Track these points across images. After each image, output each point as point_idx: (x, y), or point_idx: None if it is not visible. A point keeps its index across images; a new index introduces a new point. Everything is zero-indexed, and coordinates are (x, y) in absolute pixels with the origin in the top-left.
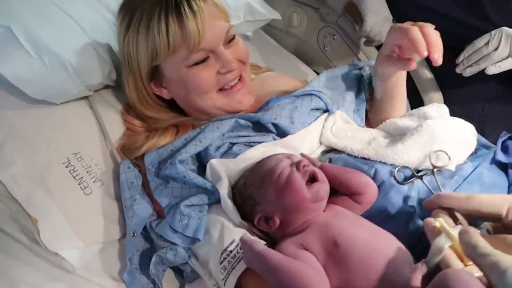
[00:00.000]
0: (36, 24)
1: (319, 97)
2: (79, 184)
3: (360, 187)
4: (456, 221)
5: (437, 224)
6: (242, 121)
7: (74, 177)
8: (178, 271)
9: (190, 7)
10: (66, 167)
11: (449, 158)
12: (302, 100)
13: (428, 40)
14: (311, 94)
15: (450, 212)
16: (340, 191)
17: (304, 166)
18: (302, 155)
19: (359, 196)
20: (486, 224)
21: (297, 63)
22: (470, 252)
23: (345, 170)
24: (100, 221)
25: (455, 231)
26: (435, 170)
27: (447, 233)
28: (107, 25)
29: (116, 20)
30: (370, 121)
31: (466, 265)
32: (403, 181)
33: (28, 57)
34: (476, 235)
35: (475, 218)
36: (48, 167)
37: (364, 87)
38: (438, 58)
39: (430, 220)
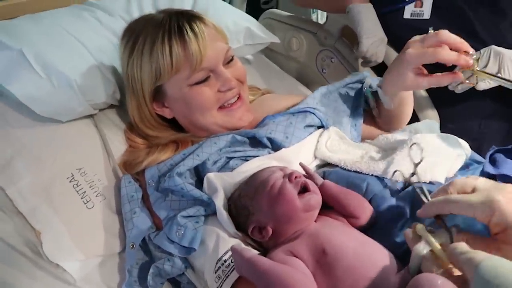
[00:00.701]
0: (45, 47)
1: (313, 113)
2: (81, 198)
3: (357, 212)
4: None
5: (417, 231)
6: (238, 137)
7: (77, 192)
8: (175, 283)
9: (192, 29)
10: (70, 181)
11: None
12: (297, 117)
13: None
14: (306, 111)
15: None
16: (337, 210)
17: (296, 177)
18: (302, 165)
19: (354, 219)
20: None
21: (297, 86)
22: (449, 253)
23: (345, 192)
24: (101, 234)
25: (433, 236)
26: (417, 169)
27: (426, 239)
28: (112, 48)
29: (120, 44)
30: (383, 129)
31: (446, 268)
32: (397, 191)
33: (37, 77)
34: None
35: None
36: (53, 182)
37: (369, 99)
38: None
39: (408, 230)
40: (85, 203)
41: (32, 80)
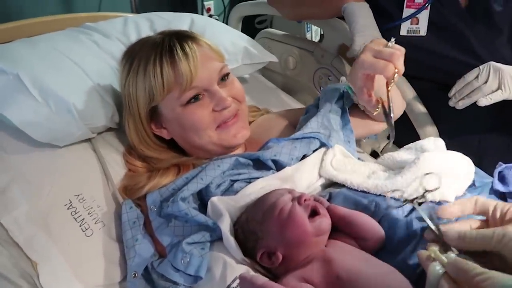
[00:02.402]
0: (43, 71)
1: (318, 138)
2: (80, 226)
3: (367, 233)
4: (447, 249)
5: (431, 254)
6: (242, 159)
7: (75, 219)
8: None
9: (183, 49)
10: (68, 209)
11: (439, 183)
12: (301, 142)
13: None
14: (310, 137)
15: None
16: (345, 232)
17: (305, 200)
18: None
19: (364, 241)
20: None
21: (294, 104)
22: (461, 277)
23: (354, 213)
24: (100, 263)
25: (448, 258)
26: (427, 194)
27: (440, 261)
28: (111, 71)
29: (119, 66)
30: (377, 119)
31: None
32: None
33: (35, 102)
34: (461, 260)
35: None
36: (50, 210)
37: (350, 95)
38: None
39: (422, 251)
40: (83, 231)
41: (29, 105)
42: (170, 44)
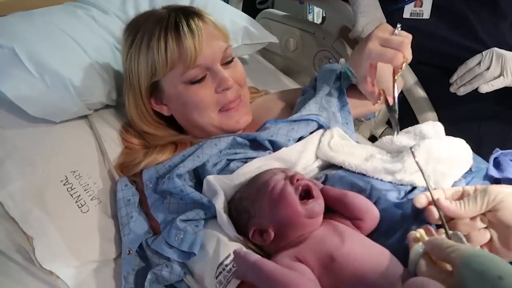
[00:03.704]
0: (38, 45)
1: (316, 121)
2: (76, 202)
3: (362, 213)
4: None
5: (417, 235)
6: (239, 139)
7: (71, 195)
8: None
9: (189, 26)
10: (64, 185)
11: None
12: (299, 124)
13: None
14: (309, 119)
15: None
16: (340, 212)
17: (298, 179)
18: None
19: (359, 221)
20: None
21: (294, 86)
22: (436, 252)
23: (349, 193)
24: (96, 239)
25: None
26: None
27: (423, 241)
28: (108, 48)
29: (120, 41)
30: None
31: (440, 266)
32: (401, 198)
33: (30, 76)
34: (438, 238)
35: None
36: (46, 185)
37: (349, 76)
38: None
39: (412, 232)
40: (79, 207)
41: (25, 79)
42: (176, 20)
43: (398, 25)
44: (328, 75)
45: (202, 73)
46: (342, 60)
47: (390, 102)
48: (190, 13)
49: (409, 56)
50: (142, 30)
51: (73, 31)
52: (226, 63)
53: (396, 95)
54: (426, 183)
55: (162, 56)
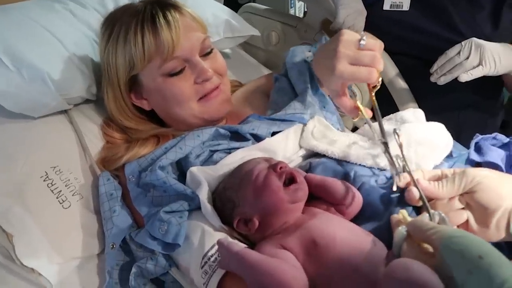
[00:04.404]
0: (15, 39)
1: (300, 122)
2: (57, 198)
3: (345, 198)
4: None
5: (400, 216)
6: (222, 130)
7: (52, 191)
8: (158, 283)
9: (165, 17)
10: (44, 180)
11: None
12: (283, 122)
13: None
14: (292, 120)
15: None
16: (324, 199)
17: (281, 167)
18: None
19: (342, 206)
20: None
21: None
22: (418, 234)
23: (329, 180)
24: (79, 235)
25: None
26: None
27: (405, 222)
28: (87, 41)
29: (99, 32)
30: None
31: (422, 248)
32: (384, 183)
33: (6, 70)
34: (419, 219)
35: None
36: (26, 182)
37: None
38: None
39: (395, 215)
40: (61, 203)
41: (1, 74)
42: (152, 12)
43: (363, 33)
44: (301, 67)
45: (181, 65)
46: (308, 54)
47: (369, 114)
48: (166, 5)
49: (382, 68)
50: (119, 24)
51: (51, 25)
52: (205, 54)
53: (379, 113)
54: (406, 164)
55: (139, 49)
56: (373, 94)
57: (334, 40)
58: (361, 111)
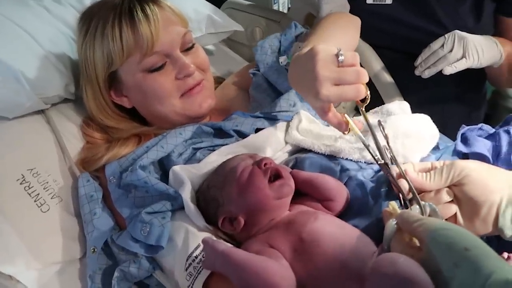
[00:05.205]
0: None
1: (286, 120)
2: (35, 201)
3: (332, 193)
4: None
5: (390, 208)
6: (205, 127)
7: (29, 194)
8: (142, 286)
9: (143, 11)
10: (21, 183)
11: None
12: (267, 120)
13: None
14: (277, 119)
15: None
16: (311, 195)
17: (266, 164)
18: None
19: (329, 202)
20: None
21: None
22: (405, 227)
23: (318, 175)
24: (59, 239)
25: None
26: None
27: (395, 214)
28: (64, 38)
29: (75, 31)
30: None
31: (411, 241)
32: (371, 177)
33: None
34: (406, 212)
35: None
36: (1, 185)
37: None
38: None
39: (387, 208)
40: (39, 206)
41: None
42: (130, 6)
43: (338, 49)
44: (280, 68)
45: (162, 60)
46: (281, 58)
47: (359, 127)
48: None
49: (367, 79)
50: (96, 18)
51: (24, 21)
52: (187, 49)
53: (371, 125)
54: (393, 156)
55: (117, 44)
56: (363, 109)
57: (309, 59)
58: (351, 126)
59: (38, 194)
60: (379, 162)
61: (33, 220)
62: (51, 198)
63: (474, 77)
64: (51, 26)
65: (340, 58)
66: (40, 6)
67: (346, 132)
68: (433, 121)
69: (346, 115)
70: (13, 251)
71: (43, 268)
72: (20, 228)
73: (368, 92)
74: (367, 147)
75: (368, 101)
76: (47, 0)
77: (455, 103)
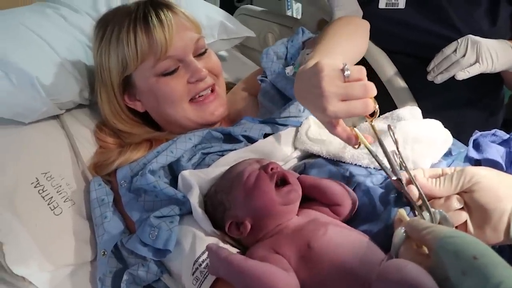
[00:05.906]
0: (4, 44)
1: (295, 125)
2: (48, 204)
3: (340, 198)
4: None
5: (398, 215)
6: (215, 133)
7: (43, 197)
8: None
9: (158, 17)
10: (35, 187)
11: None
12: (275, 125)
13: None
14: (286, 124)
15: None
16: (319, 200)
17: (272, 168)
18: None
19: (337, 207)
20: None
21: None
22: (414, 235)
23: (322, 180)
24: (71, 242)
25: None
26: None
27: (404, 221)
28: (80, 46)
29: (91, 38)
30: None
31: (420, 248)
32: (380, 183)
33: None
34: (415, 219)
35: None
36: (16, 188)
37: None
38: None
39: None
40: (52, 209)
41: None
42: (145, 11)
43: (344, 63)
44: (284, 73)
45: (175, 65)
46: (288, 68)
47: (369, 140)
48: (159, 5)
49: (375, 93)
50: (111, 24)
51: (41, 29)
52: (199, 54)
53: (382, 141)
54: (402, 161)
55: (132, 48)
56: (373, 123)
57: (314, 75)
58: (361, 140)
59: (52, 197)
60: (392, 178)
61: (46, 222)
62: (64, 202)
63: (490, 82)
64: (68, 34)
65: (346, 73)
66: (57, 14)
67: (356, 146)
68: (448, 127)
69: (355, 128)
70: (26, 253)
71: (55, 270)
72: (33, 231)
73: (377, 106)
74: (379, 162)
75: (378, 115)
76: (64, 9)
77: (471, 108)
